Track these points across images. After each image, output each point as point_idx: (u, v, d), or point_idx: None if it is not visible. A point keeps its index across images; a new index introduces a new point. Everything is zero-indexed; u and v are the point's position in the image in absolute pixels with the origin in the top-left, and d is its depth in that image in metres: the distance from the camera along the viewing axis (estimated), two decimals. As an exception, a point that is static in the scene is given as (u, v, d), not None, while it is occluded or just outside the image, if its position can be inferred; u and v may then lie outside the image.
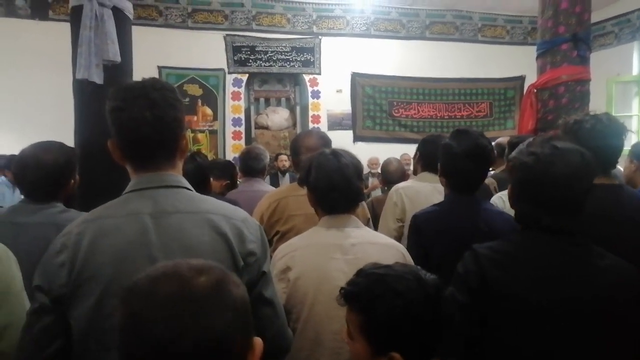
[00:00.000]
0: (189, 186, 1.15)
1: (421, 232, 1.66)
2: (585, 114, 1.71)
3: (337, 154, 1.50)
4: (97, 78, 2.73)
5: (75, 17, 2.81)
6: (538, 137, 1.25)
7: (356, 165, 1.51)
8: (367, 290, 0.98)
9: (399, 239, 2.27)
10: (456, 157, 1.66)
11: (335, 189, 1.45)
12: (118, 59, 2.78)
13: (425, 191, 2.23)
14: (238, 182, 3.14)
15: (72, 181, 1.78)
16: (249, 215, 1.18)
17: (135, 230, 1.04)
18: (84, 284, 1.01)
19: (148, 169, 1.11)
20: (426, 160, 2.35)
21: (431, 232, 1.63)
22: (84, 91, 2.81)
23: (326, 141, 2.21)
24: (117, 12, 2.83)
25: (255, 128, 7.46)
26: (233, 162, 6.89)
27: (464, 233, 1.53)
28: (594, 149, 1.62)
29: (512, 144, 2.64)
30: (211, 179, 2.19)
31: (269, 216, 2.08)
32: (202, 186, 1.82)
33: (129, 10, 2.92)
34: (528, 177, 1.18)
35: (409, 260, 1.46)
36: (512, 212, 2.06)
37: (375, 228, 2.44)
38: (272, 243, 2.08)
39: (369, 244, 1.44)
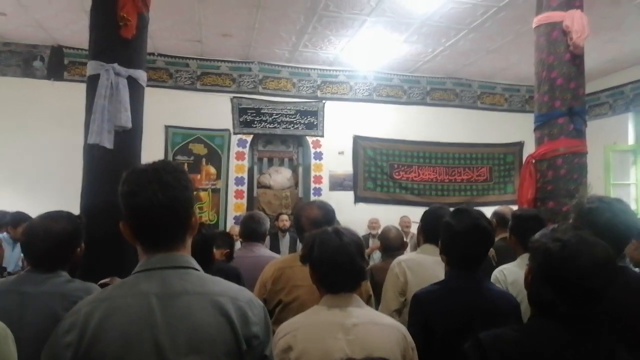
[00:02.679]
0: (197, 266, 1.17)
1: (422, 311, 1.65)
2: (599, 199, 1.74)
3: (339, 232, 1.53)
4: (108, 143, 2.82)
5: (91, 85, 2.93)
6: (561, 224, 1.24)
7: (358, 243, 1.53)
8: None
9: (400, 312, 2.26)
10: (456, 236, 1.69)
11: (338, 267, 1.47)
12: (129, 125, 2.88)
13: (427, 263, 2.24)
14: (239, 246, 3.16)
15: (79, 249, 1.81)
16: (254, 297, 1.20)
17: (142, 311, 1.06)
18: None
19: (159, 250, 1.13)
20: (427, 233, 2.38)
21: (432, 312, 1.63)
22: (93, 155, 2.88)
23: (327, 211, 2.24)
24: (132, 80, 2.96)
25: (258, 187, 7.54)
26: (234, 221, 6.97)
27: (465, 313, 1.54)
28: (607, 232, 1.64)
29: (516, 217, 2.69)
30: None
31: (272, 284, 2.07)
32: (206, 256, 1.85)
33: (143, 79, 3.05)
34: (552, 263, 1.15)
35: (410, 341, 1.46)
36: (513, 286, 2.08)
37: (377, 297, 2.43)
38: (274, 313, 2.07)
39: (371, 324, 1.44)
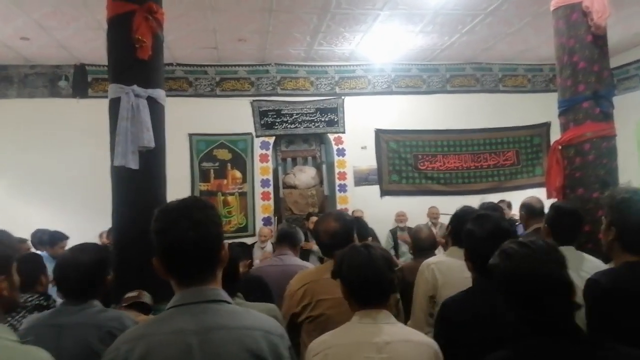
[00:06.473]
0: (229, 298, 1.21)
1: (449, 322, 1.65)
2: (630, 190, 1.71)
3: (368, 247, 1.58)
4: (133, 164, 2.90)
5: (113, 107, 3.01)
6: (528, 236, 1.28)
7: (386, 257, 1.58)
8: None
9: (432, 316, 2.26)
10: (478, 242, 1.68)
11: (367, 281, 1.51)
12: (152, 144, 2.95)
13: (456, 266, 2.22)
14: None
15: (108, 277, 1.88)
16: (284, 331, 1.24)
17: (180, 349, 1.10)
18: None
19: (191, 284, 1.18)
20: (456, 235, 2.36)
21: (458, 323, 1.61)
22: (120, 176, 2.97)
23: (344, 222, 2.22)
24: (151, 100, 3.03)
25: (283, 188, 7.60)
26: (263, 222, 7.08)
27: (490, 323, 1.53)
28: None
29: (555, 208, 2.61)
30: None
31: (299, 299, 2.10)
32: (234, 275, 1.90)
33: (162, 98, 3.11)
34: (500, 277, 1.23)
35: (442, 359, 1.47)
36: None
37: (408, 297, 2.42)
38: (303, 325, 2.10)
39: (403, 342, 1.46)
